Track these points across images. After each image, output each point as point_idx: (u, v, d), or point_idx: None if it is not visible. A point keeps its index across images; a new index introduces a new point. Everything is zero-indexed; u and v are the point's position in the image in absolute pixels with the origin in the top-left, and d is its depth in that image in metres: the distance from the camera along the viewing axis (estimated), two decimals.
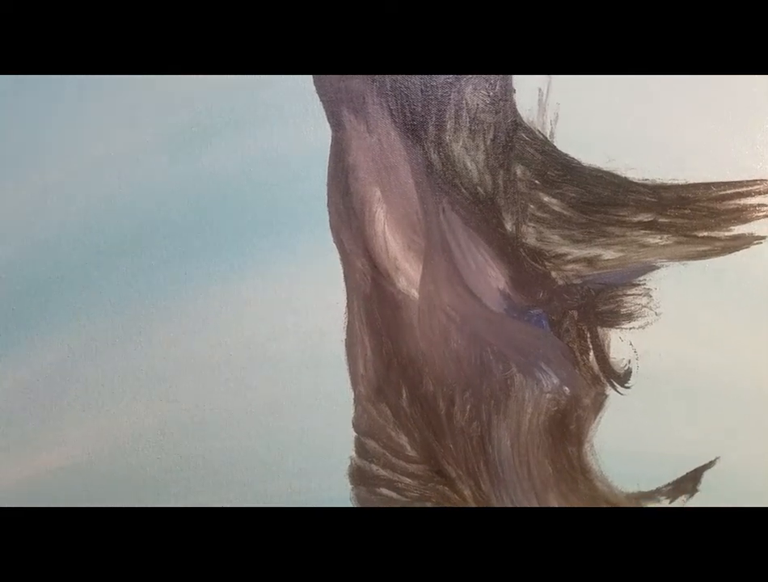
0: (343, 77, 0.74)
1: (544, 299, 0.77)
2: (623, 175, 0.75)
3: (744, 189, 0.76)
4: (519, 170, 0.75)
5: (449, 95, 0.75)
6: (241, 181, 0.76)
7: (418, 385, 0.78)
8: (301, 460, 0.79)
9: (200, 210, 0.76)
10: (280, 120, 0.75)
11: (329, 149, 0.75)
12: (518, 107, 0.75)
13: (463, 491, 0.80)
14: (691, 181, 0.75)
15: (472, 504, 0.80)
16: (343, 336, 0.77)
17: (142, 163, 0.75)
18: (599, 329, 0.78)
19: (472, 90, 0.74)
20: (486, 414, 0.79)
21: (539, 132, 0.75)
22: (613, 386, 0.78)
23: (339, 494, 0.79)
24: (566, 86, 0.74)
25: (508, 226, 0.76)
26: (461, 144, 0.75)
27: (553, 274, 0.77)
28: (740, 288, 0.77)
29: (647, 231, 0.76)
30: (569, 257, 0.76)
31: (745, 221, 0.76)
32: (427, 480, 0.80)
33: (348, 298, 0.77)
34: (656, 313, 0.77)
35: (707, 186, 0.76)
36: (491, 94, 0.75)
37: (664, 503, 0.80)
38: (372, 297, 0.77)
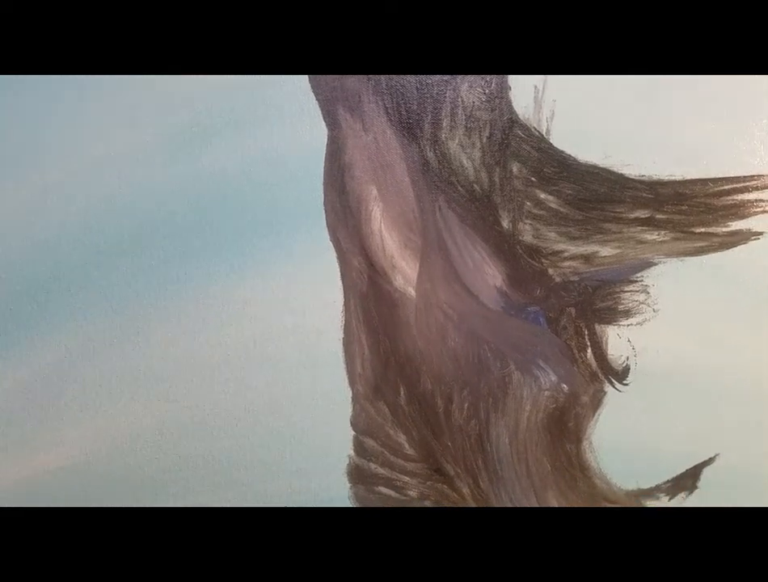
0: (339, 76, 0.75)
1: (541, 296, 0.77)
2: (620, 172, 0.75)
3: (742, 185, 0.76)
4: (515, 167, 0.76)
5: (445, 93, 0.75)
6: (241, 181, 0.76)
7: (416, 383, 0.78)
8: (300, 459, 0.79)
9: (200, 210, 0.76)
10: (279, 120, 0.75)
11: (325, 149, 0.76)
12: (514, 105, 0.75)
13: (462, 489, 0.79)
14: (688, 177, 0.75)
15: (471, 502, 0.79)
16: (341, 335, 0.77)
17: (142, 163, 0.75)
18: (597, 326, 0.77)
19: (468, 88, 0.75)
20: (484, 412, 0.78)
21: (535, 129, 0.75)
22: (612, 383, 0.78)
23: (337, 493, 0.79)
24: (562, 83, 0.74)
25: (505, 224, 0.76)
26: (457, 141, 0.75)
27: (550, 271, 0.77)
28: (738, 284, 0.77)
29: (644, 228, 0.76)
30: (566, 254, 0.76)
31: (743, 216, 0.76)
32: (425, 478, 0.80)
33: (345, 297, 0.77)
34: (653, 309, 0.77)
35: (704, 182, 0.76)
36: (487, 91, 0.75)
37: (664, 500, 0.79)
38: (369, 296, 0.77)
